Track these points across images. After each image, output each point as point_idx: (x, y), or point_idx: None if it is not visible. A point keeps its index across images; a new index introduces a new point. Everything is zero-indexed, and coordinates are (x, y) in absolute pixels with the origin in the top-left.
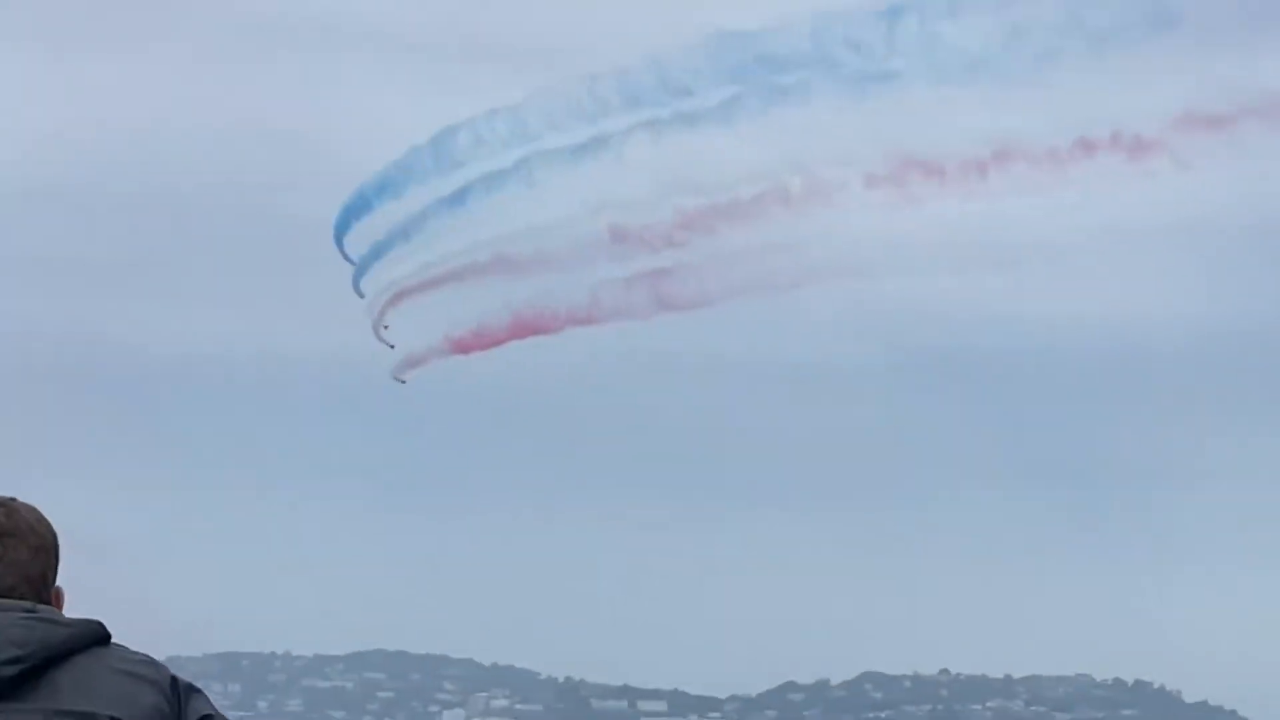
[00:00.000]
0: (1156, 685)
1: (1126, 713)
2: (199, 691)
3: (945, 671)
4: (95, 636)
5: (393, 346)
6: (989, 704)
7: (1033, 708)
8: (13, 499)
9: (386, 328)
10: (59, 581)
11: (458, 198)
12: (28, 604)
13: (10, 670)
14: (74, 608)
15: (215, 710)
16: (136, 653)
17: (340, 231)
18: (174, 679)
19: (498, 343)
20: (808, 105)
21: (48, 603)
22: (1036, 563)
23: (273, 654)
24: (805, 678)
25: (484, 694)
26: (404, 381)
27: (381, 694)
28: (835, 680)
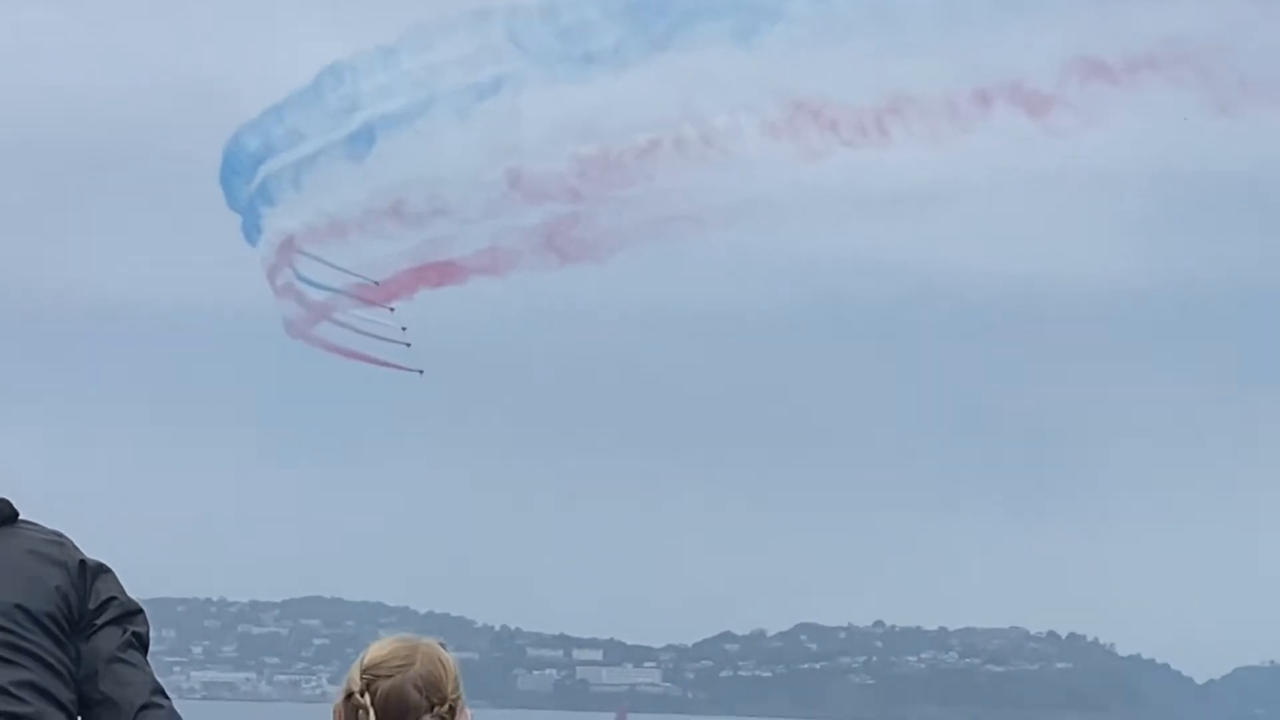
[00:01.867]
0: (1090, 638)
1: (1060, 665)
2: (107, 571)
3: (880, 623)
4: (2, 515)
5: (408, 345)
6: (923, 655)
7: (966, 660)
8: None
9: (404, 329)
10: None
11: (350, 142)
12: None
13: None
14: None
15: (122, 592)
16: (45, 530)
17: (227, 178)
18: (82, 560)
19: (401, 293)
20: (703, 52)
21: None
22: (971, 516)
23: (208, 600)
24: (741, 628)
25: None
26: (421, 372)
27: (317, 641)
28: (771, 631)
